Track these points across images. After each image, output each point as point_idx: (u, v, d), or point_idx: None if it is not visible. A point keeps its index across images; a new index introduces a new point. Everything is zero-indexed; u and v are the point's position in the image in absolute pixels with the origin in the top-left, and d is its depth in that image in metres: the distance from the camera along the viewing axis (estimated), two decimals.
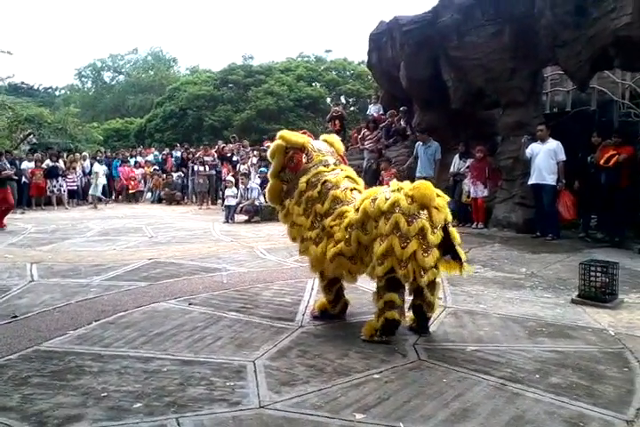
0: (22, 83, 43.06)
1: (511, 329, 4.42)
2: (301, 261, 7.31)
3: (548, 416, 2.93)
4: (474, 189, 10.64)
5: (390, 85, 13.85)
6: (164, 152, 20.61)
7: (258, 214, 12.56)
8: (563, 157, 8.90)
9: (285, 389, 3.28)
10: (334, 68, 35.54)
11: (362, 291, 5.25)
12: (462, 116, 11.37)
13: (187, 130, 31.59)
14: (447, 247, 4.06)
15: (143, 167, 18.94)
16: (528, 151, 9.28)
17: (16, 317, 4.81)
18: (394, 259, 3.88)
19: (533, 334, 4.32)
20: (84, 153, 20.20)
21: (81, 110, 33.88)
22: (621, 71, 10.73)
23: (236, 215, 12.59)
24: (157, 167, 19.03)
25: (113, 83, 47.80)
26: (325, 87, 33.34)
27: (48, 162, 16.88)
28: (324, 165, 4.59)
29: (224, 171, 15.80)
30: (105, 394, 3.21)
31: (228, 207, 12.69)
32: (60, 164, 17.21)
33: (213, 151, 17.63)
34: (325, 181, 4.47)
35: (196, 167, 16.56)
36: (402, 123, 13.53)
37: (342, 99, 32.85)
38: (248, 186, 12.88)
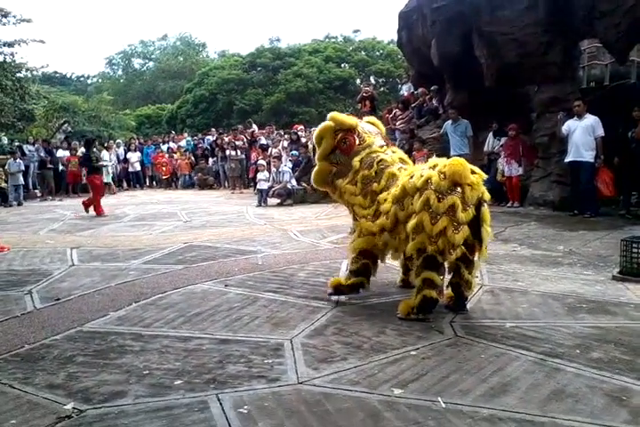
0: (55, 72, 43.82)
1: (550, 306, 4.36)
2: (335, 242, 7.35)
3: (590, 390, 2.90)
4: (508, 168, 10.45)
5: (421, 64, 13.63)
6: (197, 137, 20.72)
7: (290, 197, 12.58)
8: (601, 132, 8.65)
9: (323, 365, 3.31)
10: (363, 48, 35.16)
11: (396, 271, 5.23)
12: (495, 94, 11.12)
13: (217, 114, 31.71)
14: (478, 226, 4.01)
15: (175, 153, 19.10)
16: (564, 128, 9.05)
17: (59, 299, 4.95)
18: (424, 235, 3.89)
19: (573, 310, 4.25)
20: (117, 140, 20.49)
21: (113, 98, 34.20)
22: None
23: (268, 199, 12.65)
24: (189, 152, 19.12)
25: (143, 69, 48.11)
26: (355, 68, 33.00)
27: (82, 150, 17.15)
28: (377, 146, 4.57)
29: (253, 155, 15.82)
30: (147, 372, 3.29)
31: (261, 191, 12.74)
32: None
33: (243, 136, 17.64)
34: (381, 160, 4.45)
35: (227, 152, 16.63)
36: (434, 102, 13.32)
37: (372, 79, 32.53)
38: (280, 169, 12.90)
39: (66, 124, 24.59)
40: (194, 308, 4.56)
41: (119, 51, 48.55)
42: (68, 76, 47.76)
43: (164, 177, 18.92)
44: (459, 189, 3.88)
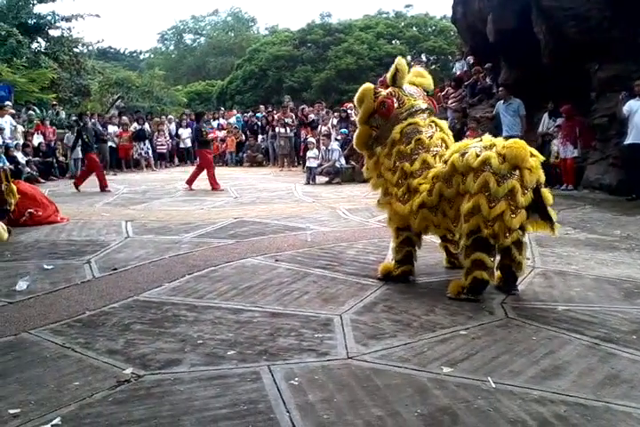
0: (109, 47, 44.62)
1: (605, 290, 4.27)
2: (384, 221, 7.30)
3: None
4: (563, 150, 10.16)
5: (476, 41, 13.30)
6: (247, 114, 20.80)
7: (338, 176, 12.57)
8: None
9: (372, 342, 3.34)
10: (415, 24, 34.47)
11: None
12: (553, 72, 10.76)
13: (266, 91, 31.75)
14: (537, 208, 3.95)
15: (225, 129, 19.24)
16: (626, 108, 8.69)
17: (116, 269, 5.13)
18: (480, 218, 3.85)
19: (630, 295, 4.15)
20: (169, 116, 20.74)
21: (165, 73, 34.63)
22: None
23: (317, 177, 12.67)
24: (237, 127, 19.20)
25: (194, 45, 48.51)
26: (406, 44, 32.41)
27: (135, 125, 17.48)
28: (418, 112, 4.46)
29: (302, 133, 15.81)
30: (201, 341, 3.39)
31: (310, 169, 12.77)
32: (147, 127, 17.77)
33: (292, 113, 17.60)
34: (419, 139, 4.36)
35: (277, 129, 16.68)
36: (487, 80, 13.01)
37: (423, 56, 31.88)
38: (329, 147, 12.88)
39: (119, 100, 25.07)
40: (245, 281, 4.65)
41: (171, 26, 49.05)
42: (122, 51, 48.59)
43: (214, 153, 19.06)
44: (517, 172, 3.81)
